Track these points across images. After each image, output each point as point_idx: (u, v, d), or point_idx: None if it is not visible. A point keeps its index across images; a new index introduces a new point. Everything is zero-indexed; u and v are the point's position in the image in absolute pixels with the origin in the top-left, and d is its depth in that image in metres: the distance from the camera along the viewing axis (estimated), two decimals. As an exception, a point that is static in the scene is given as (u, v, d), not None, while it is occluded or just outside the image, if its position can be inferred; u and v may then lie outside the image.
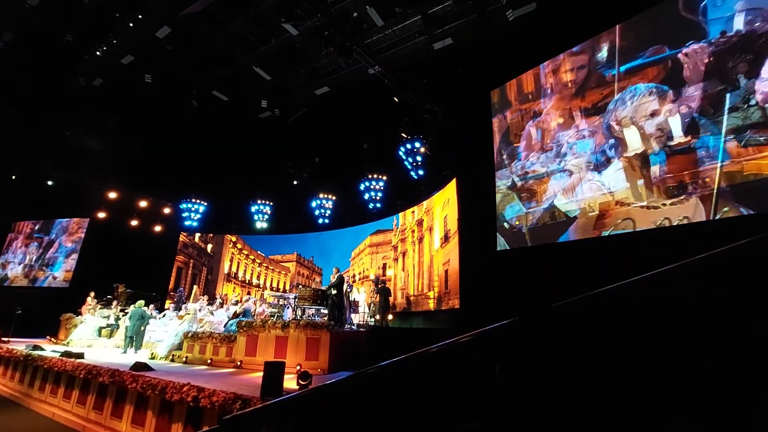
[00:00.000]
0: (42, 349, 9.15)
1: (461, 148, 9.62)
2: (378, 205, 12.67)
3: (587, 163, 7.10)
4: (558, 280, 5.78)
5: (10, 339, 11.27)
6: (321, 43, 8.38)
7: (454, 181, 10.21)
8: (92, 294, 12.16)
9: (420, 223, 12.59)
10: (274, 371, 4.97)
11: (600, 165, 7.00)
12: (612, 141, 6.87)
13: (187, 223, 15.64)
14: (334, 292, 8.73)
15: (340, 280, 8.94)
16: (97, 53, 9.88)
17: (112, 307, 11.90)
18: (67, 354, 8.10)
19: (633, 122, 6.57)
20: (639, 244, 5.96)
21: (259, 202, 14.88)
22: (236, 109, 13.01)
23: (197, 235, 17.41)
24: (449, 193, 10.61)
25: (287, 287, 16.31)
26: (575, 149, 7.38)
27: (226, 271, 17.47)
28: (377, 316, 10.40)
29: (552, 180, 7.48)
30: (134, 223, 15.23)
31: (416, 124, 9.97)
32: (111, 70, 11.50)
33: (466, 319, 8.68)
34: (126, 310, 11.04)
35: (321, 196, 13.62)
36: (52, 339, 11.80)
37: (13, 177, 15.28)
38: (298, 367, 6.32)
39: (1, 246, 17.77)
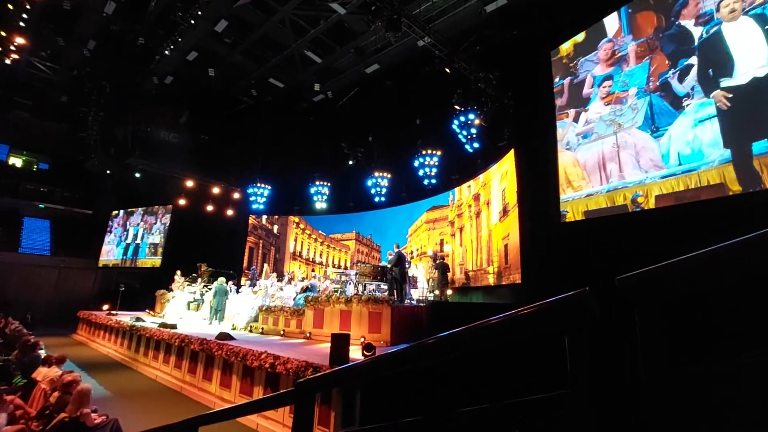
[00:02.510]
0: (143, 321, 10.55)
1: (518, 116, 9.10)
2: (433, 180, 12.52)
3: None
4: (626, 252, 5.39)
5: (117, 312, 13.13)
6: (369, 19, 8.25)
7: (511, 152, 9.74)
8: (179, 272, 13.64)
9: (477, 197, 12.26)
10: (340, 342, 5.27)
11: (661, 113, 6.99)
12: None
13: (255, 206, 16.74)
14: (395, 268, 8.91)
15: (400, 257, 9.08)
16: (166, 52, 10.68)
17: (197, 283, 13.26)
18: (163, 325, 9.26)
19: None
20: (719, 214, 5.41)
21: (317, 183, 15.44)
22: (291, 94, 13.44)
23: (264, 217, 18.60)
24: (507, 164, 10.17)
25: (348, 264, 16.94)
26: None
27: (291, 250, 18.55)
28: (436, 291, 10.47)
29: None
30: (210, 208, 16.65)
31: (469, 95, 9.56)
32: (179, 67, 12.43)
33: (528, 293, 8.43)
34: (209, 287, 12.25)
35: (376, 174, 13.76)
36: (150, 312, 13.52)
37: (108, 172, 17.35)
38: (362, 339, 6.63)
39: (104, 234, 20.46)
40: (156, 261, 17.98)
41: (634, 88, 7.63)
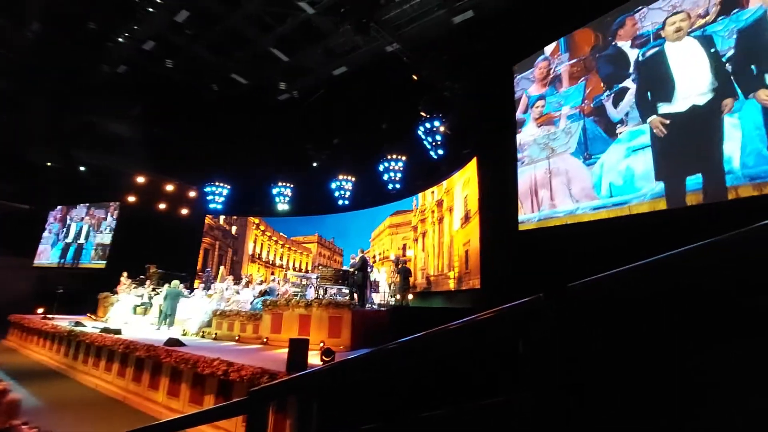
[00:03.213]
0: (83, 326, 9.75)
1: (482, 126, 9.39)
2: (397, 185, 12.63)
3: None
4: (583, 259, 5.66)
5: (54, 316, 12.06)
6: (338, 21, 8.23)
7: (474, 160, 10.02)
8: (125, 274, 12.78)
9: (440, 203, 12.49)
10: (298, 347, 5.14)
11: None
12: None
13: (212, 206, 16.07)
14: (358, 273, 8.86)
15: (364, 262, 9.05)
16: (120, 40, 10.04)
17: (145, 286, 12.48)
18: (106, 330, 8.61)
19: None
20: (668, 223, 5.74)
21: (279, 184, 15.10)
22: (255, 92, 13.07)
23: (222, 217, 17.90)
24: (470, 172, 10.45)
25: (309, 267, 16.66)
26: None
27: (250, 252, 17.96)
28: (398, 296, 10.52)
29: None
30: (162, 206, 15.77)
31: (436, 102, 9.75)
32: (134, 56, 11.71)
33: (487, 298, 8.67)
34: (158, 290, 11.56)
35: (340, 177, 13.66)
36: (92, 316, 12.54)
37: (48, 164, 15.99)
38: (322, 344, 6.51)
39: (42, 231, 18.78)
40: (101, 257, 16.73)
41: (567, 110, 7.36)
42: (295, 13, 9.47)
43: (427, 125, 10.28)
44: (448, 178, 11.79)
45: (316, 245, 17.52)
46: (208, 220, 17.54)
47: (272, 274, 16.23)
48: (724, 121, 5.51)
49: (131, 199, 15.76)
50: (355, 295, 8.63)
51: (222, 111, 14.04)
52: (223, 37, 11.04)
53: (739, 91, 5.42)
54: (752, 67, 5.34)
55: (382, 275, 12.00)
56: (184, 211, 16.40)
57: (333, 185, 13.83)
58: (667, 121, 6.09)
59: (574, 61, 7.37)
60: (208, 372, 5.61)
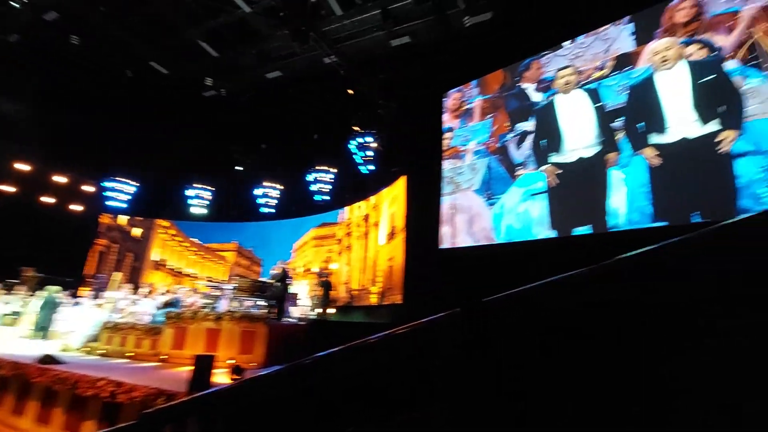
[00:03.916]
0: None
1: (413, 147, 9.76)
2: (325, 197, 12.48)
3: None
4: (500, 277, 6.02)
5: None
6: (275, 25, 8.02)
7: (403, 178, 10.33)
8: (-9, 278, 10.65)
9: (367, 218, 12.60)
10: (202, 365, 4.70)
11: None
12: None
13: (112, 203, 14.23)
14: (278, 284, 8.46)
15: (284, 274, 8.68)
16: (13, 3, 8.60)
17: (13, 292, 10.51)
18: (-47, 345, 7.02)
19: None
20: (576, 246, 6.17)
21: (197, 186, 13.95)
22: (178, 84, 12.08)
23: (124, 217, 15.94)
24: (398, 190, 10.73)
25: (224, 278, 15.52)
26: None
27: (154, 259, 16.20)
28: (318, 310, 10.25)
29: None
30: (49, 200, 13.55)
31: (369, 118, 9.93)
32: (31, 26, 10.11)
33: (408, 313, 8.85)
34: (31, 297, 9.81)
35: (266, 184, 13.10)
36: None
37: None
38: (231, 361, 6.03)
39: None
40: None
41: (474, 145, 7.40)
42: (230, 9, 9.03)
43: (360, 140, 10.39)
44: (377, 194, 11.97)
45: (234, 254, 16.43)
46: (106, 219, 15.49)
47: (179, 283, 14.79)
48: (609, 175, 5.72)
49: (8, 188, 13.29)
50: (273, 309, 8.21)
51: (135, 100, 12.69)
52: (145, 21, 10.09)
53: (628, 146, 5.65)
54: (640, 124, 5.68)
55: (303, 288, 11.63)
56: (77, 208, 14.26)
57: (257, 191, 13.19)
58: (559, 171, 6.22)
59: (484, 97, 7.41)
60: (91, 393, 4.84)
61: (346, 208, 13.41)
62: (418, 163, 9.42)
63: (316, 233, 14.47)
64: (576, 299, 1.06)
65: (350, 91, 9.29)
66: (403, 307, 9.24)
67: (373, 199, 12.20)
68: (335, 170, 12.17)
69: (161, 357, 7.29)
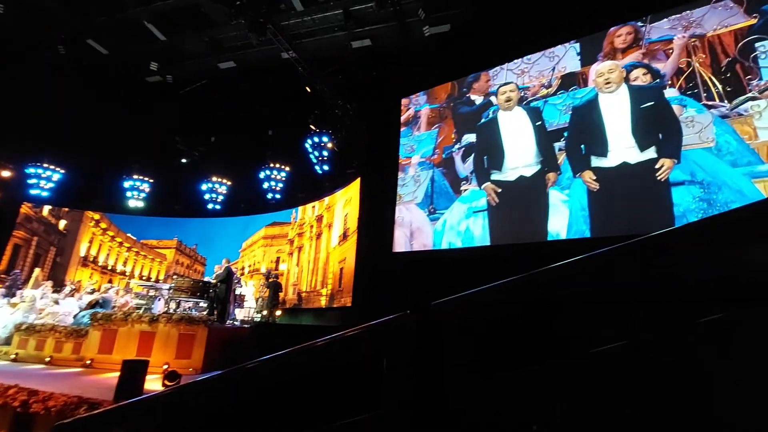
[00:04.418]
0: None
1: (369, 149, 9.77)
2: (277, 195, 12.11)
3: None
4: (454, 282, 6.14)
5: None
6: (231, 13, 7.67)
7: (358, 180, 10.30)
8: None
9: (320, 218, 12.41)
10: (133, 370, 4.35)
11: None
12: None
13: (34, 192, 12.78)
14: (221, 285, 8.03)
15: (229, 273, 8.27)
16: None
17: None
18: None
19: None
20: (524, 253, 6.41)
21: (135, 177, 12.92)
22: (118, 66, 11.17)
23: (47, 208, 14.39)
24: (352, 191, 10.68)
25: (161, 276, 14.49)
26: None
27: (82, 254, 14.77)
28: (264, 312, 9.89)
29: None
30: (-48, 184, 11.87)
31: (326, 118, 9.79)
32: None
33: (357, 316, 8.80)
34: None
35: (214, 179, 12.44)
36: None
37: None
38: (165, 367, 5.63)
39: None
40: None
41: (418, 158, 7.17)
42: (181, -10, 8.52)
43: (315, 139, 10.22)
44: (331, 195, 11.83)
45: (174, 252, 15.40)
46: (25, 209, 13.88)
47: (110, 281, 13.61)
48: (550, 196, 5.59)
49: None
50: (215, 310, 7.80)
51: (68, 80, 11.53)
52: (83, -6, 9.23)
53: (570, 168, 5.56)
54: (582, 146, 5.62)
55: (249, 289, 11.18)
56: (-11, 194, 12.65)
57: (204, 186, 12.49)
58: (499, 189, 6.07)
59: (432, 106, 7.19)
60: (0, 403, 4.28)
61: (300, 208, 13.12)
62: (374, 165, 9.45)
63: (266, 232, 13.98)
64: (518, 301, 1.11)
65: (308, 89, 9.12)
66: (353, 310, 9.19)
67: (327, 199, 12.04)
68: (289, 168, 11.85)
69: (85, 362, 6.65)
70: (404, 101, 8.03)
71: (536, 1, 6.76)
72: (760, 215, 0.99)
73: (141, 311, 7.33)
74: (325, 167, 10.89)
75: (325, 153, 10.45)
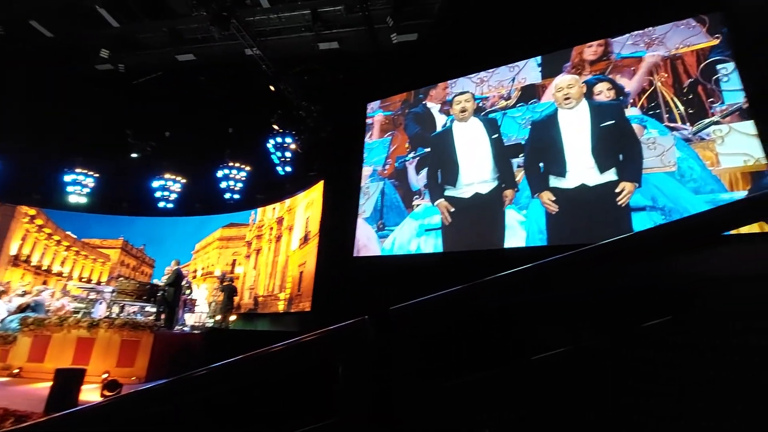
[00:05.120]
0: None
1: (333, 152, 9.69)
2: (236, 196, 11.69)
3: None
4: (415, 287, 6.15)
5: None
6: (193, 4, 7.37)
7: (321, 183, 10.18)
8: None
9: (280, 220, 12.12)
10: (67, 380, 4.02)
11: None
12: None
13: (-43, 182, 11.52)
14: (170, 288, 7.60)
15: (178, 276, 7.85)
16: None
17: None
18: None
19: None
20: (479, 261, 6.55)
21: (78, 170, 11.99)
22: (64, 51, 10.36)
23: (-28, 200, 13.00)
24: (315, 193, 10.54)
25: (104, 278, 13.48)
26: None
27: (13, 253, 13.44)
28: (218, 317, 9.48)
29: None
30: None
31: (290, 118, 9.61)
32: None
33: (316, 321, 8.65)
34: None
35: (167, 176, 11.81)
36: None
37: None
38: (105, 376, 5.24)
39: None
40: None
41: (368, 169, 6.73)
42: (138, -24, 8.08)
43: (278, 140, 10.00)
44: (293, 197, 11.60)
45: (119, 252, 14.40)
46: (-56, 201, 12.46)
47: (44, 283, 12.48)
48: (506, 216, 5.21)
49: None
50: (163, 315, 7.38)
51: (7, 62, 10.54)
52: (24, -30, 8.52)
53: (528, 186, 5.20)
54: (541, 164, 5.25)
55: (202, 293, 10.67)
56: None
57: (155, 183, 11.82)
58: (452, 208, 5.62)
59: (386, 113, 6.80)
60: None
61: (259, 210, 12.73)
62: (338, 168, 9.38)
63: (222, 233, 13.45)
64: (472, 308, 1.14)
65: (272, 88, 8.92)
66: (313, 315, 9.02)
67: (288, 201, 11.79)
68: (249, 168, 11.50)
69: (12, 371, 6.05)
70: (370, 106, 8.06)
71: (505, 17, 7.01)
72: (696, 228, 1.08)
73: (79, 316, 6.77)
74: (288, 168, 10.67)
75: (288, 154, 10.25)
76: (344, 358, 1.10)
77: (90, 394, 4.59)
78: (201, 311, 10.34)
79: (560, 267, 1.07)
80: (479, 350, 1.04)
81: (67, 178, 11.93)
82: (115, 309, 7.43)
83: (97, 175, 12.23)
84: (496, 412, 1.00)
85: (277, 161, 10.44)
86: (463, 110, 5.87)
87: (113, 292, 7.81)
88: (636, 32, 5.24)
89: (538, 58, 5.89)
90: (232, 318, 9.86)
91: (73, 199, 12.17)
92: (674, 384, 0.92)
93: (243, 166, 11.41)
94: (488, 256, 6.27)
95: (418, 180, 6.08)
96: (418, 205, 5.96)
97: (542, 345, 1.05)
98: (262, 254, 12.40)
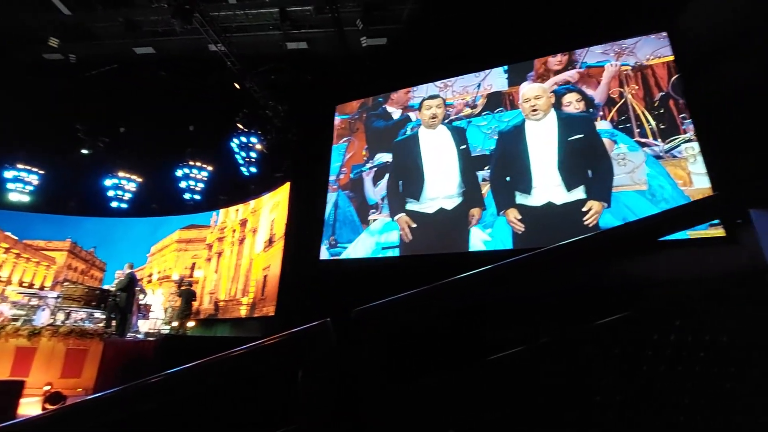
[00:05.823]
0: None
1: (300, 153, 9.56)
2: (196, 196, 11.24)
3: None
4: (382, 290, 6.14)
5: None
6: (153, -4, 7.06)
7: (287, 185, 10.00)
8: None
9: (244, 222, 11.77)
10: (3, 393, 3.69)
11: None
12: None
13: None
14: (121, 293, 7.18)
15: (130, 280, 7.43)
16: None
17: None
18: None
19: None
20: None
21: (20, 166, 11.10)
22: (7, 37, 9.60)
23: None
24: (281, 195, 10.33)
25: (48, 283, 12.51)
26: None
27: (-60, 255, 12.21)
28: (174, 323, 9.04)
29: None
30: None
31: (255, 118, 9.39)
32: None
33: (280, 326, 8.45)
34: None
35: (121, 174, 11.17)
36: None
37: None
38: (47, 388, 4.86)
39: None
40: None
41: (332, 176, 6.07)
42: (92, -38, 7.64)
43: (243, 139, 9.73)
44: (258, 198, 11.31)
45: (66, 255, 13.42)
46: None
47: (-22, 288, 11.41)
48: (471, 235, 4.83)
49: None
50: (114, 322, 6.95)
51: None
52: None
53: (493, 202, 4.87)
54: (507, 178, 4.92)
55: (157, 298, 10.15)
56: None
57: (108, 182, 11.15)
58: (414, 224, 5.14)
59: (341, 117, 6.27)
60: None
61: (221, 211, 12.30)
62: (304, 170, 9.25)
63: (181, 235, 12.86)
64: (437, 307, 1.16)
65: (236, 86, 8.68)
66: (277, 320, 8.81)
67: (253, 203, 11.47)
68: (211, 168, 11.10)
69: (-68, 387, 5.45)
70: (339, 108, 8.02)
71: (473, 27, 7.19)
72: (635, 233, 1.15)
73: (18, 323, 6.24)
74: (253, 169, 10.40)
75: (253, 154, 9.99)
76: (306, 362, 1.08)
77: (30, 407, 4.25)
78: (156, 317, 9.83)
79: (518, 268, 1.11)
80: (444, 351, 1.06)
81: (8, 174, 11.00)
82: (60, 316, 6.91)
83: (42, 171, 11.37)
84: (460, 413, 1.02)
85: (241, 161, 10.16)
86: (434, 116, 5.47)
87: (58, 297, 7.27)
88: (606, 43, 5.01)
89: (506, 65, 5.68)
90: (191, 324, 9.44)
91: (14, 197, 11.23)
92: (629, 378, 0.98)
93: (204, 166, 11.00)
94: (452, 259, 6.42)
95: (375, 192, 5.58)
96: (374, 220, 5.46)
97: (505, 344, 1.08)
98: (224, 257, 11.98)
